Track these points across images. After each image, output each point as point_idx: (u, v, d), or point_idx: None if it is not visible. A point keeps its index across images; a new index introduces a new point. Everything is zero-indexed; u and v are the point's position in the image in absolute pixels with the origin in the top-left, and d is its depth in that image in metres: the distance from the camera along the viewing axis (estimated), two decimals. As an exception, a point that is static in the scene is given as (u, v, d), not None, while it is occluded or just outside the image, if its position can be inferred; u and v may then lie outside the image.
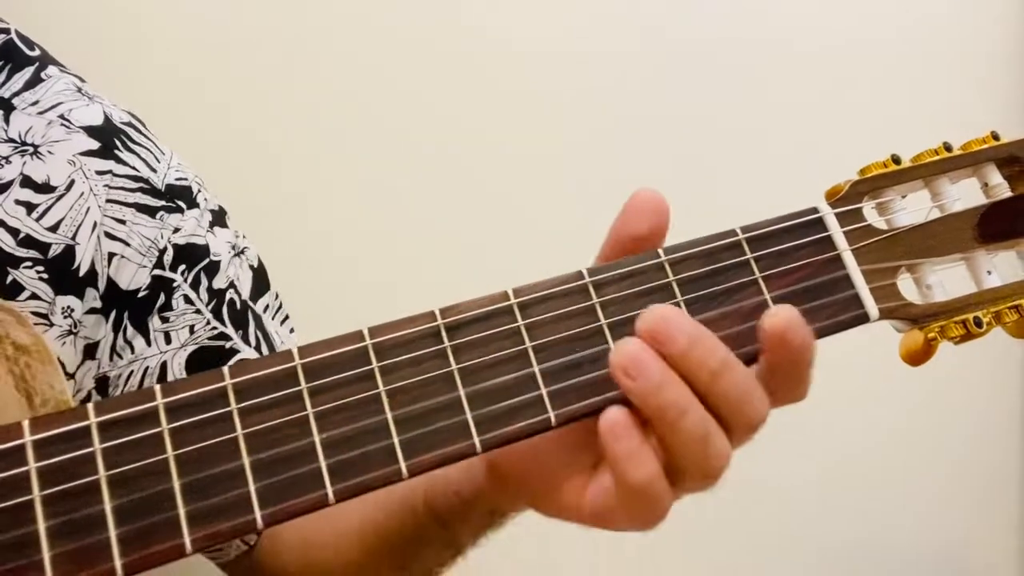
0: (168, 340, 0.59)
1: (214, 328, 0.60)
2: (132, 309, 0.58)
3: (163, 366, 0.59)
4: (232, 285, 0.62)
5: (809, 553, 1.35)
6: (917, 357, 0.45)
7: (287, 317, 0.67)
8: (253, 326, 0.62)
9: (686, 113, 1.24)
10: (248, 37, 1.04)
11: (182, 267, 0.60)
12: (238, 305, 0.62)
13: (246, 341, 0.61)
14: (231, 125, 1.01)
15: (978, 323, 0.44)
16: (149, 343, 0.59)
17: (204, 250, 0.61)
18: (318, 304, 1.02)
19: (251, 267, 0.65)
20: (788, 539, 1.29)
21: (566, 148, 1.19)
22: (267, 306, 0.65)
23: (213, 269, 0.61)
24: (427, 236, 1.11)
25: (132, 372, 0.58)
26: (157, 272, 0.59)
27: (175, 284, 0.60)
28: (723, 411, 0.39)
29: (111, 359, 0.58)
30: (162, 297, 0.59)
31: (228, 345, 0.60)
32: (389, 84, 1.10)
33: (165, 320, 0.59)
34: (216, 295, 0.61)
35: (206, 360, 0.59)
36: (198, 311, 0.60)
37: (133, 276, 0.59)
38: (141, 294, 0.59)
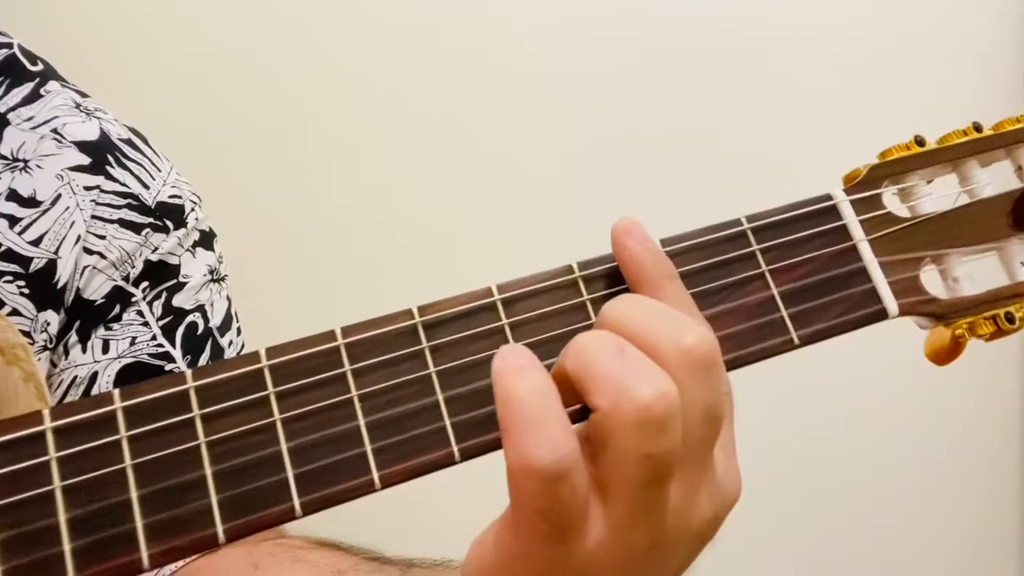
0: (105, 349, 0.57)
1: (159, 345, 0.58)
2: (84, 318, 0.57)
3: (93, 376, 0.56)
4: (200, 309, 0.60)
5: (807, 555, 1.32)
6: (943, 356, 0.41)
7: (243, 347, 0.65)
8: (208, 355, 0.60)
9: (688, 102, 1.22)
10: (247, 40, 1.03)
11: (145, 284, 0.58)
12: (199, 330, 0.60)
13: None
14: (226, 125, 1.01)
15: (1010, 319, 0.40)
16: (84, 350, 0.56)
17: (174, 270, 0.60)
18: (294, 302, 1.02)
19: (228, 297, 0.63)
20: (786, 540, 1.26)
21: (566, 140, 1.17)
22: (231, 342, 0.62)
23: (177, 288, 0.60)
24: (421, 232, 1.10)
25: (61, 381, 0.56)
26: (120, 285, 0.58)
27: (133, 299, 0.58)
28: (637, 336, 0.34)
29: (50, 367, 0.57)
30: (116, 309, 0.57)
31: (168, 367, 0.58)
32: (390, 81, 1.09)
33: (109, 329, 0.57)
34: (174, 313, 0.59)
35: (140, 377, 0.57)
36: (146, 323, 0.58)
37: (99, 287, 0.57)
38: (97, 303, 0.57)
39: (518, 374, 0.34)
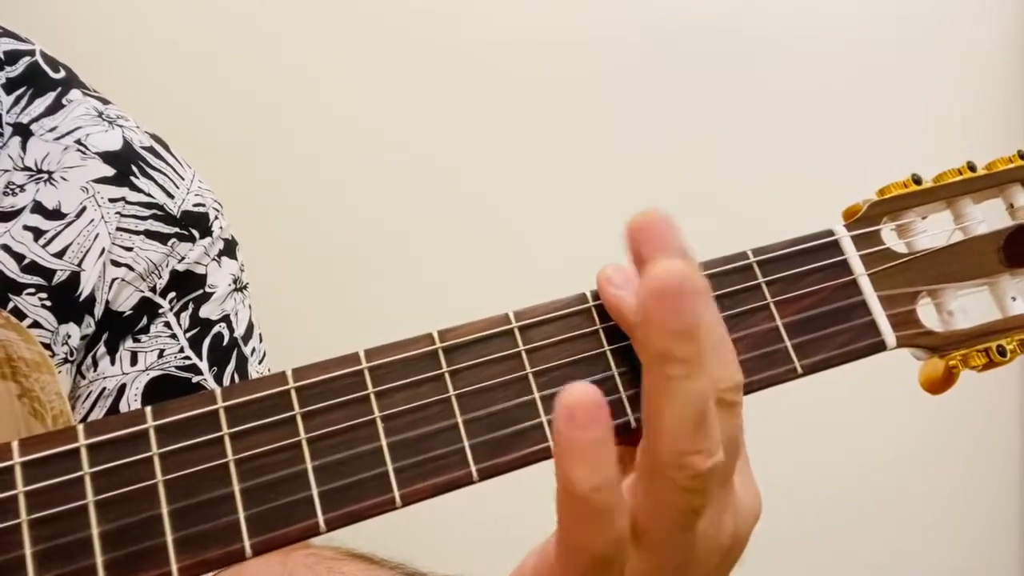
0: (134, 361, 0.57)
1: (186, 358, 0.58)
2: (113, 329, 0.57)
3: (121, 389, 0.57)
4: (225, 319, 0.61)
5: (808, 562, 1.34)
6: (937, 386, 0.43)
7: (264, 355, 0.65)
8: (233, 366, 0.61)
9: (688, 102, 1.23)
10: (246, 40, 1.03)
11: (172, 294, 0.59)
12: (225, 340, 0.60)
13: (219, 381, 0.59)
14: (225, 125, 1.01)
15: (1002, 352, 0.42)
16: (113, 362, 0.57)
17: (200, 280, 0.60)
18: (319, 322, 1.03)
19: (249, 305, 0.64)
20: (786, 544, 1.28)
21: (567, 139, 1.18)
22: (254, 350, 0.63)
23: (204, 299, 0.60)
24: (420, 231, 1.10)
25: (89, 393, 0.57)
26: (148, 295, 0.58)
27: (160, 310, 0.58)
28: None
29: (78, 378, 0.57)
30: (144, 320, 0.58)
31: (195, 379, 0.59)
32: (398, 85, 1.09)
33: (137, 341, 0.58)
34: (201, 324, 0.60)
35: (168, 390, 0.57)
36: (174, 336, 0.58)
37: (127, 299, 0.58)
38: (125, 315, 0.58)
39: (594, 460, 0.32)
